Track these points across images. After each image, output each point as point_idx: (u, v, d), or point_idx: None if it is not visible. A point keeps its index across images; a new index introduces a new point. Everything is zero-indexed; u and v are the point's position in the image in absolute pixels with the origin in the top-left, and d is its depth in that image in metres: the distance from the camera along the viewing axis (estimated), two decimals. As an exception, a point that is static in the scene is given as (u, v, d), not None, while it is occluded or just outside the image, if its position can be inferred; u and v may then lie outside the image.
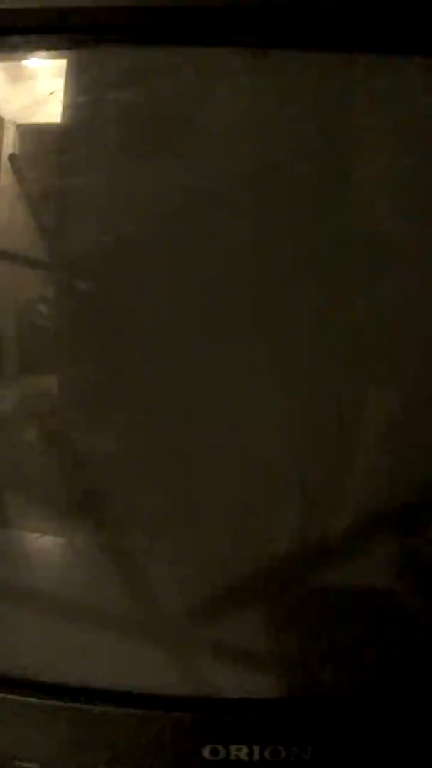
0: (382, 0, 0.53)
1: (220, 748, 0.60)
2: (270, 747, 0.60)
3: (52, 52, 0.56)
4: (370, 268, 0.58)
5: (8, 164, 0.57)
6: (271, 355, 0.59)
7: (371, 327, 0.58)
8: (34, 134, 0.58)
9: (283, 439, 0.61)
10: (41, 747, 0.61)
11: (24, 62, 0.57)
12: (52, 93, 0.56)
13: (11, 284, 0.61)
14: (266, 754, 0.60)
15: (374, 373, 0.59)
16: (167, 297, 0.58)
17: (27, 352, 0.61)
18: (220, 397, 0.60)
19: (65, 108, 0.56)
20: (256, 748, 0.60)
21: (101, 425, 0.61)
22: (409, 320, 0.59)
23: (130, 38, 0.55)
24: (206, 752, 0.60)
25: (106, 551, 0.62)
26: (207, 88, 0.57)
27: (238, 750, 0.60)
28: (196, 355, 0.59)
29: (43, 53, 0.56)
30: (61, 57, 0.56)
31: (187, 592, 0.62)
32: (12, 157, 0.57)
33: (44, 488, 0.62)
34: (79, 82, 0.56)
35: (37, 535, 0.62)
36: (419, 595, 0.61)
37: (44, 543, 0.62)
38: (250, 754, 0.60)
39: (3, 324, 0.60)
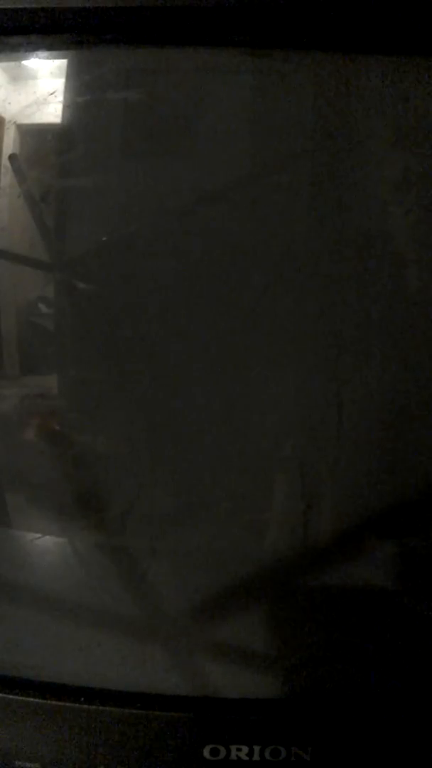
0: (382, 0, 0.53)
1: (220, 748, 0.60)
2: (270, 747, 0.60)
3: (53, 52, 0.56)
4: (371, 266, 0.58)
5: (8, 164, 0.57)
6: (271, 356, 0.59)
7: (372, 325, 0.58)
8: (34, 134, 0.58)
9: (284, 440, 0.61)
10: (41, 747, 0.61)
11: (24, 62, 0.57)
12: (52, 93, 0.56)
13: (12, 284, 0.61)
14: (266, 754, 0.60)
15: (374, 373, 0.59)
16: (167, 296, 0.58)
17: (27, 352, 0.61)
18: (220, 397, 0.60)
19: (65, 108, 0.56)
20: (256, 748, 0.60)
21: (101, 425, 0.61)
22: (410, 318, 0.59)
23: (130, 38, 0.55)
24: (206, 752, 0.60)
25: (106, 551, 0.62)
26: (207, 88, 0.57)
27: (238, 750, 0.60)
28: (195, 356, 0.59)
29: (44, 53, 0.56)
30: (61, 57, 0.56)
31: (187, 592, 0.62)
32: (12, 157, 0.57)
33: (44, 488, 0.62)
34: (79, 82, 0.56)
35: (37, 535, 0.62)
36: (419, 595, 0.61)
37: (44, 543, 0.62)
38: (250, 754, 0.60)
39: (4, 324, 0.60)
